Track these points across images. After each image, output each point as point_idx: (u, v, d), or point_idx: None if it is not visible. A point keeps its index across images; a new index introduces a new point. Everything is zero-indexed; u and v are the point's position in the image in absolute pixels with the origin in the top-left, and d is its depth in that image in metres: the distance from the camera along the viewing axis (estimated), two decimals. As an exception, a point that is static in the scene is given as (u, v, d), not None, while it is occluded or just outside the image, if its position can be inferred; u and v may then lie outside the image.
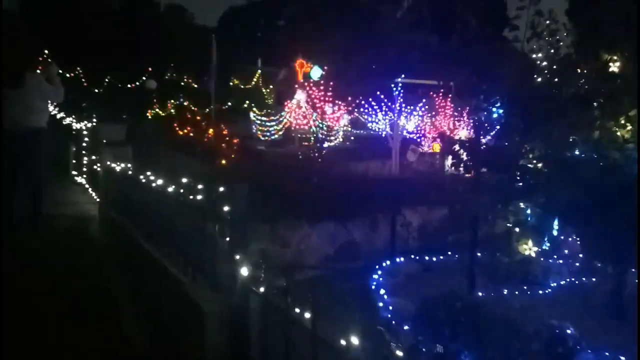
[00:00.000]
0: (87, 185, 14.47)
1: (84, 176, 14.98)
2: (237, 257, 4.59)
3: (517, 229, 8.82)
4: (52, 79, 10.33)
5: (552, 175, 7.91)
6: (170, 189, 6.35)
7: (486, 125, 8.55)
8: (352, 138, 32.31)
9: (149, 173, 7.56)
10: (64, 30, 23.97)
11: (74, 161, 16.90)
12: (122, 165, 9.01)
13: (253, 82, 34.40)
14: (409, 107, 20.73)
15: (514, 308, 7.99)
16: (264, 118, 30.92)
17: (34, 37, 18.81)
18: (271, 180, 12.09)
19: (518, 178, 8.31)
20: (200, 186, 5.69)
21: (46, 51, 11.89)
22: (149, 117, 30.60)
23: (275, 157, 24.22)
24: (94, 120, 14.63)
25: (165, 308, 6.05)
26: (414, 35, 28.21)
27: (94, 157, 11.29)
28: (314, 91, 17.23)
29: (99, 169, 10.67)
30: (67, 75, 24.31)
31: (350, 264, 10.92)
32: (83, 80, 25.49)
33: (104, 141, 11.13)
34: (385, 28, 30.08)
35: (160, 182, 6.79)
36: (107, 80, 26.62)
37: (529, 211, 8.46)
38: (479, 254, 10.14)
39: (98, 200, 11.89)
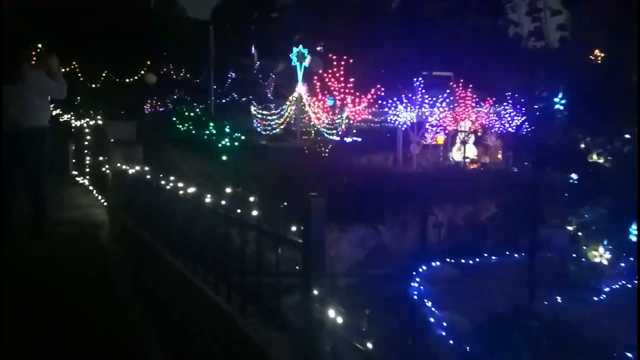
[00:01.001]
0: (90, 187, 13.33)
1: (87, 177, 13.83)
2: (315, 291, 3.58)
3: (582, 232, 7.86)
4: (54, 73, 9.19)
5: (624, 174, 6.96)
6: (207, 200, 5.29)
7: (546, 118, 7.56)
8: (354, 131, 31.37)
9: (172, 178, 6.50)
10: (57, 24, 22.62)
11: (73, 160, 15.74)
12: (137, 168, 7.92)
13: (252, 75, 33.18)
14: (431, 99, 19.67)
15: (585, 320, 7.07)
16: (265, 112, 29.80)
17: (28, 29, 17.52)
18: (294, 180, 11.05)
19: (586, 177, 7.35)
20: (252, 198, 4.65)
21: (41, 45, 10.69)
22: (147, 112, 29.43)
23: (282, 153, 23.17)
24: (99, 118, 13.46)
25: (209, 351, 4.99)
26: (461, 19, 27.09)
27: (100, 158, 10.21)
28: (333, 82, 16.05)
29: (107, 171, 9.56)
30: (63, 70, 22.94)
31: (383, 269, 9.95)
32: (79, 74, 24.18)
33: (112, 140, 10.01)
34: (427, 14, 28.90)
35: (191, 190, 5.73)
36: (103, 75, 25.33)
37: (597, 213, 7.52)
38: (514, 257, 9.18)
39: (105, 204, 10.78)
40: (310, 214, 3.75)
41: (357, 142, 30.08)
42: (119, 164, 9.12)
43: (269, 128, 29.39)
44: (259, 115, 29.45)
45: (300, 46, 29.73)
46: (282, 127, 29.58)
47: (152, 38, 27.53)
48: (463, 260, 10.33)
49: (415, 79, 18.44)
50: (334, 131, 30.83)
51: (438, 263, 10.02)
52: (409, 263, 9.87)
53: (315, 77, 17.63)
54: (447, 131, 29.08)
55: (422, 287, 8.71)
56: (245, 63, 35.89)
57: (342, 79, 15.43)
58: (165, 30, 32.18)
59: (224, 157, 21.55)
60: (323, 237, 3.81)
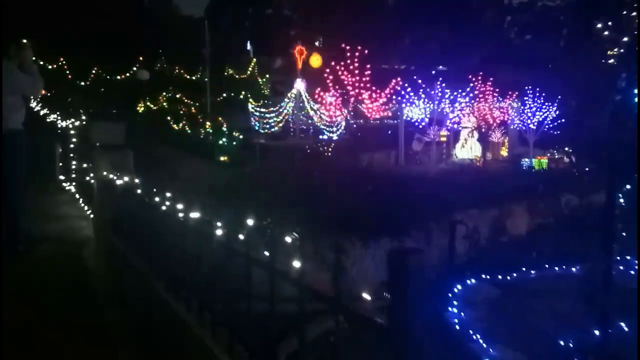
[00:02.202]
0: (77, 195, 11.82)
1: (73, 183, 12.32)
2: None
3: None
4: (27, 66, 7.68)
5: None
6: (219, 232, 3.85)
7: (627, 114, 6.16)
8: (355, 126, 29.91)
9: (169, 194, 5.05)
10: (43, 19, 20.99)
11: (60, 164, 14.19)
12: (126, 178, 6.44)
13: (248, 72, 31.63)
14: (452, 94, 18.27)
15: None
16: (263, 110, 28.30)
17: (11, 23, 15.91)
18: (309, 187, 9.62)
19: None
20: (288, 238, 3.22)
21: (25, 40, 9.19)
22: (139, 110, 27.82)
23: (284, 152, 21.72)
24: (83, 118, 11.91)
25: None
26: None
27: (85, 165, 8.78)
28: (347, 77, 14.57)
29: (92, 180, 8.08)
30: (50, 67, 21.44)
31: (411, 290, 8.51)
32: (67, 72, 22.53)
33: (97, 144, 8.51)
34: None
35: (195, 216, 4.29)
36: (93, 72, 23.67)
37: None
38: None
39: (92, 216, 9.30)
40: (403, 281, 2.34)
41: (358, 140, 28.66)
42: (105, 172, 7.64)
43: (268, 126, 27.92)
44: (257, 113, 27.94)
45: (300, 42, 28.25)
46: (280, 125, 28.14)
47: (145, 34, 25.90)
48: (500, 276, 8.94)
49: (434, 72, 16.99)
50: (334, 129, 29.44)
51: (473, 281, 8.63)
52: (441, 281, 8.45)
53: (328, 70, 16.07)
54: (449, 127, 27.82)
55: (462, 313, 7.30)
56: (242, 59, 34.28)
57: (356, 72, 13.91)
58: (159, 26, 30.54)
59: (223, 158, 20.10)
60: (425, 318, 2.40)
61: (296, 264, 3.02)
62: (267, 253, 3.24)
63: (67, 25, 22.04)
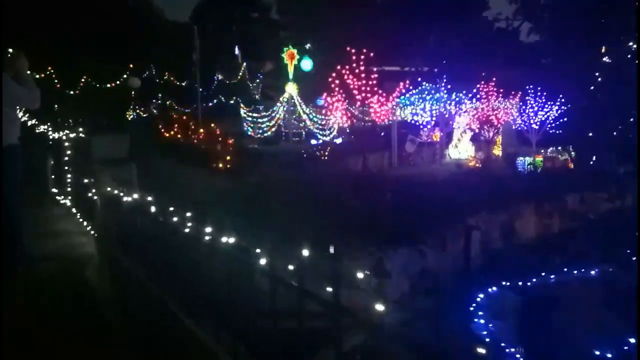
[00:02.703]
0: (73, 209, 11.28)
1: (69, 197, 11.77)
2: None
3: None
4: (22, 76, 7.19)
5: None
6: (262, 260, 3.46)
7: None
8: (348, 130, 29.56)
9: (189, 215, 4.66)
10: (30, 26, 20.34)
11: (52, 177, 13.62)
12: (135, 195, 6.01)
13: (239, 77, 31.14)
14: (457, 95, 17.94)
15: None
16: (255, 114, 27.83)
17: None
18: (323, 194, 9.19)
19: None
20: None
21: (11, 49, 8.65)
22: (129, 118, 27.20)
23: (280, 158, 21.26)
24: (80, 130, 11.37)
25: None
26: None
27: (85, 180, 8.28)
28: (353, 81, 14.11)
29: (95, 197, 7.61)
30: (37, 76, 20.73)
31: (431, 299, 8.17)
32: (56, 81, 21.85)
33: (98, 158, 8.06)
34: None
35: (229, 241, 3.89)
36: (83, 80, 23.01)
37: None
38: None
39: (92, 232, 8.80)
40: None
41: (351, 143, 28.29)
42: (108, 188, 7.19)
43: (260, 131, 27.47)
44: (249, 118, 27.48)
45: (290, 45, 27.84)
46: (273, 129, 27.70)
47: (133, 40, 25.30)
48: (521, 283, 8.62)
49: (442, 74, 16.64)
50: (327, 132, 29.06)
51: (495, 289, 8.30)
52: (461, 290, 8.12)
53: (334, 75, 15.54)
54: (441, 127, 27.58)
55: (490, 325, 6.95)
56: (231, 64, 33.79)
57: (362, 75, 13.37)
58: (145, 32, 29.92)
59: (220, 165, 19.61)
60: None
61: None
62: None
63: (56, 31, 21.40)
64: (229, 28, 51.00)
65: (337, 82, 15.17)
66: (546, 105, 19.51)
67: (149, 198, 6.16)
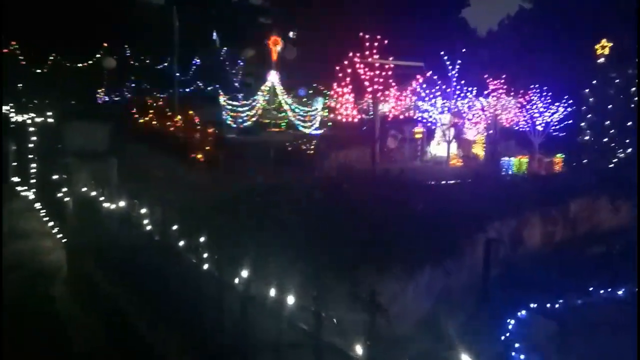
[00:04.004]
0: (37, 204, 9.77)
1: (33, 189, 10.23)
2: None
3: None
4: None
5: None
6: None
7: None
8: (330, 124, 28.28)
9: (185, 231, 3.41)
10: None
11: (14, 164, 12.01)
12: (122, 203, 4.69)
13: (218, 63, 29.47)
14: (467, 91, 16.85)
15: None
16: (235, 103, 26.26)
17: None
18: (334, 201, 7.92)
19: None
20: None
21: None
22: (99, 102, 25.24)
23: (264, 149, 19.84)
24: (49, 114, 9.77)
25: None
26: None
27: (55, 177, 6.86)
28: (365, 72, 12.78)
29: (67, 198, 6.21)
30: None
31: (456, 323, 7.10)
32: (21, 57, 19.81)
33: (65, 149, 6.62)
34: None
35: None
36: (51, 58, 21.01)
37: None
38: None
39: (63, 239, 7.38)
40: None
41: (333, 137, 27.06)
42: (84, 188, 5.82)
43: (240, 120, 25.96)
44: (229, 107, 25.89)
45: (275, 32, 26.33)
46: (253, 119, 26.22)
47: (108, 16, 23.33)
48: (549, 305, 7.66)
49: (451, 68, 15.46)
50: (309, 124, 27.78)
51: (524, 313, 7.29)
52: (486, 312, 7.10)
53: (346, 62, 14.08)
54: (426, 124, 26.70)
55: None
56: (210, 49, 32.00)
57: (376, 65, 11.90)
58: (121, 9, 27.88)
59: (198, 156, 18.09)
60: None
61: None
62: None
63: (19, 5, 19.36)
64: (207, 11, 48.89)
65: (348, 71, 13.63)
66: (552, 107, 18.71)
67: (134, 203, 4.84)
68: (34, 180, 10.02)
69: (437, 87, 15.01)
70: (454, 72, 15.23)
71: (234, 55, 31.14)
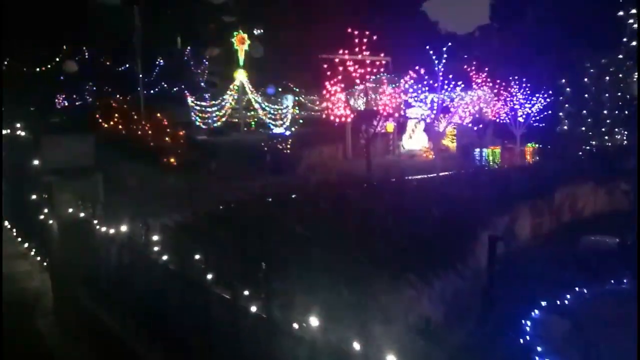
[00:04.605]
0: (7, 222, 8.95)
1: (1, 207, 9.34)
2: None
3: None
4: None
5: None
6: None
7: None
8: (301, 121, 27.71)
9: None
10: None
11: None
12: (124, 228, 4.10)
13: (183, 62, 28.45)
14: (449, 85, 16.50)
15: None
16: (203, 103, 25.35)
17: None
18: (342, 209, 7.44)
19: None
20: None
21: None
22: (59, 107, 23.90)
23: (238, 150, 19.13)
24: (18, 126, 8.86)
25: None
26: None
27: (34, 197, 6.15)
28: (355, 69, 12.23)
29: (50, 220, 5.53)
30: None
31: (470, 328, 6.80)
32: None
33: (44, 165, 5.92)
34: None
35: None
36: (6, 62, 19.65)
37: None
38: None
39: (40, 261, 6.66)
40: None
41: (306, 134, 26.54)
42: (70, 210, 5.17)
43: (210, 121, 25.10)
44: (197, 107, 25.00)
45: (240, 29, 25.54)
46: (223, 119, 25.40)
47: (64, 19, 22.03)
48: (559, 302, 7.46)
49: (437, 62, 15.12)
50: (280, 122, 27.17)
51: (537, 312, 7.05)
52: (497, 314, 6.83)
53: (337, 60, 13.45)
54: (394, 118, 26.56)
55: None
56: (171, 49, 30.87)
57: (367, 62, 11.31)
58: (76, 10, 26.47)
59: (171, 160, 17.25)
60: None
61: None
62: None
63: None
64: (164, 11, 47.35)
65: (340, 69, 13.08)
66: (533, 98, 18.74)
67: (133, 225, 4.27)
68: (3, 198, 9.14)
69: (425, 82, 14.71)
70: (440, 66, 14.93)
71: (197, 54, 30.14)
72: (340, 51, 13.07)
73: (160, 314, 3.65)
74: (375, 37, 12.31)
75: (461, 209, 8.62)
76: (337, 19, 30.23)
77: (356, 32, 12.18)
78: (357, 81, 13.89)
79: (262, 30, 29.10)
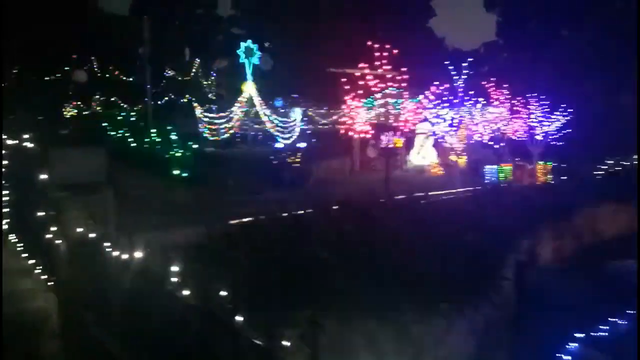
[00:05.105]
0: (10, 236, 8.51)
1: (7, 219, 8.93)
2: None
3: None
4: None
5: None
6: None
7: None
8: (309, 132, 27.38)
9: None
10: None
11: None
12: (137, 254, 3.68)
13: (192, 74, 28.20)
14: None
15: None
16: (212, 115, 25.06)
17: None
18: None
19: None
20: None
21: None
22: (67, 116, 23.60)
23: (248, 163, 18.72)
24: (26, 137, 8.48)
25: None
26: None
27: (41, 213, 5.76)
28: (376, 84, 11.81)
29: (58, 240, 5.11)
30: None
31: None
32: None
33: (52, 180, 5.52)
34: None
35: None
36: (15, 70, 19.40)
37: None
38: None
39: (47, 282, 6.22)
40: None
41: (313, 148, 26.20)
42: (79, 229, 4.75)
43: (218, 133, 24.77)
44: (205, 119, 24.67)
45: (249, 41, 25.28)
46: (231, 131, 25.08)
47: (74, 31, 21.84)
48: (593, 333, 6.96)
49: (457, 78, 14.77)
50: (288, 135, 26.81)
51: (575, 345, 6.56)
52: (532, 345, 6.34)
53: (357, 74, 12.92)
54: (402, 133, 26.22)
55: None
56: (178, 60, 30.67)
57: (388, 75, 10.78)
58: (86, 21, 26.35)
59: (176, 172, 16.87)
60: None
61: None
62: None
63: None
64: (171, 24, 47.43)
65: (359, 83, 12.67)
66: (552, 116, 18.26)
67: (140, 252, 3.83)
68: (9, 209, 8.71)
69: (445, 99, 14.31)
70: (459, 82, 14.58)
71: (205, 66, 29.91)
72: (361, 64, 12.72)
73: (180, 353, 3.20)
74: (396, 51, 11.94)
75: (486, 230, 8.16)
76: (345, 33, 30.12)
77: (376, 46, 11.81)
78: (378, 95, 13.45)
79: (270, 43, 28.89)
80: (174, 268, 3.30)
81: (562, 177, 17.97)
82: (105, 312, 4.35)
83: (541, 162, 21.30)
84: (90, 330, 4.46)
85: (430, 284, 5.76)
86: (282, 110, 27.83)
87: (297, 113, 28.75)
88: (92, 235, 4.47)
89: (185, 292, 3.16)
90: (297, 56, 27.28)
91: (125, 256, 3.86)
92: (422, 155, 27.98)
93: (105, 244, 4.14)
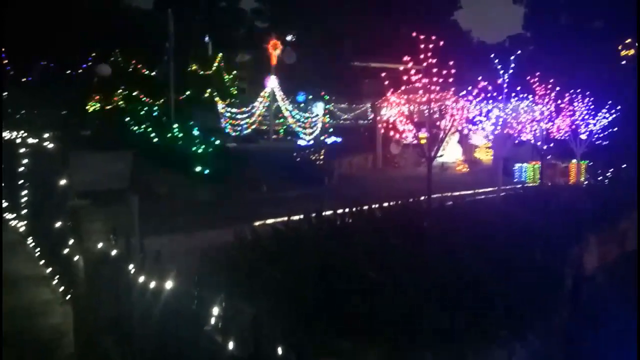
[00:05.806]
0: (29, 241, 8.05)
1: (24, 221, 8.50)
2: None
3: None
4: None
5: None
6: None
7: None
8: (331, 130, 26.72)
9: None
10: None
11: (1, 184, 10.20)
12: (169, 283, 3.10)
13: (214, 68, 27.68)
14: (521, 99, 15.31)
15: None
16: (234, 110, 24.52)
17: None
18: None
19: None
20: None
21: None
22: (89, 110, 23.30)
23: (270, 160, 18.11)
24: (47, 136, 8.00)
25: None
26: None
27: (59, 224, 5.24)
28: (420, 79, 11.13)
29: (77, 257, 4.57)
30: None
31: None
32: (7, 65, 17.87)
33: (71, 186, 4.99)
34: None
35: None
36: (41, 64, 19.06)
37: None
38: None
39: (64, 294, 5.70)
40: None
41: (337, 143, 25.58)
42: (100, 244, 4.19)
43: (240, 128, 24.25)
44: (227, 114, 24.15)
45: (274, 35, 24.68)
46: (253, 127, 24.55)
47: (97, 24, 21.44)
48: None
49: (503, 73, 13.95)
50: (309, 130, 26.20)
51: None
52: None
53: (401, 69, 12.23)
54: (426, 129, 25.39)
55: None
56: (201, 53, 30.15)
57: (434, 71, 10.04)
58: (110, 16, 25.98)
59: (199, 168, 16.37)
60: None
61: None
62: None
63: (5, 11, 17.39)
64: (194, 17, 47.02)
65: (404, 78, 11.93)
66: (599, 113, 17.26)
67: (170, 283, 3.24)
68: (26, 211, 8.25)
69: (489, 95, 13.48)
70: (505, 77, 13.73)
71: (229, 60, 29.36)
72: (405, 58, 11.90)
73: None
74: (442, 43, 11.15)
75: (534, 238, 7.42)
76: (369, 26, 29.28)
77: (422, 37, 10.99)
78: (421, 92, 12.65)
79: (294, 36, 28.22)
80: (210, 297, 2.69)
81: (599, 178, 16.99)
82: (125, 337, 3.79)
83: (574, 161, 20.34)
84: (106, 353, 3.91)
85: (493, 307, 5.08)
86: (304, 105, 27.23)
87: (319, 108, 28.14)
88: (113, 252, 3.90)
89: (227, 338, 2.56)
90: (320, 49, 26.55)
91: (152, 285, 3.28)
92: (447, 152, 27.16)
93: (129, 266, 3.56)
